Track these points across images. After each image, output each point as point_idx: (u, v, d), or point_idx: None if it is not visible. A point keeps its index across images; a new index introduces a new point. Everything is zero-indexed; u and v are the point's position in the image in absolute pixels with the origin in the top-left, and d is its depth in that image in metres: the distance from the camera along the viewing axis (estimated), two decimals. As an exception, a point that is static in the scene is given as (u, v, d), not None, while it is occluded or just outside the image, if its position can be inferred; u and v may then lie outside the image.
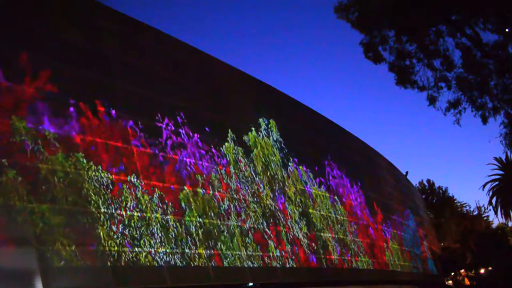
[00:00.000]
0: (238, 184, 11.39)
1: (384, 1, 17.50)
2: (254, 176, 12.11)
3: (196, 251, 9.33)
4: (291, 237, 12.50)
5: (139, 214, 8.51)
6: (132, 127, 9.15)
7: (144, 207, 8.67)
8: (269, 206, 12.18)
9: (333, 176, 16.38)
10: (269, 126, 13.62)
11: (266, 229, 11.63)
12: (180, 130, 10.33)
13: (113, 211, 8.06)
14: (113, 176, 8.33)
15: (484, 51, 18.15)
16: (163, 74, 10.75)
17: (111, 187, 8.21)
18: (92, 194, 7.84)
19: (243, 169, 11.82)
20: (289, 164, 13.99)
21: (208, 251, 9.58)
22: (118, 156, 8.62)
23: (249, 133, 12.65)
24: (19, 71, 7.51)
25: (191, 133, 10.57)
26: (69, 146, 7.81)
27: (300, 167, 14.43)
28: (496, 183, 39.38)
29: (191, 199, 9.77)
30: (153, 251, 8.44)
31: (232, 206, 10.85)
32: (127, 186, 8.50)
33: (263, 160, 12.78)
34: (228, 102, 12.67)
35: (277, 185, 12.93)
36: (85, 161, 7.92)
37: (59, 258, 6.94)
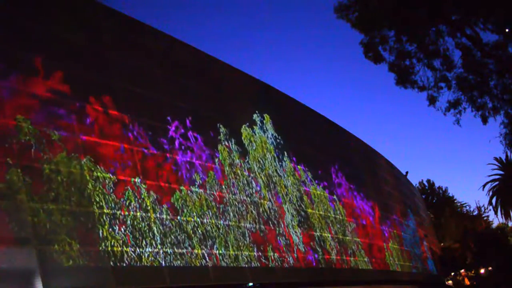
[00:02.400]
0: (237, 184, 11.39)
1: (384, 1, 17.52)
2: (252, 175, 12.12)
3: (196, 251, 9.33)
4: (290, 237, 12.50)
5: (140, 215, 8.51)
6: (133, 127, 9.16)
7: (145, 207, 8.67)
8: (267, 205, 12.18)
9: (335, 176, 16.39)
10: (266, 123, 13.62)
11: (266, 229, 11.64)
12: (180, 130, 10.33)
13: (115, 211, 8.07)
14: (116, 176, 8.34)
15: (484, 51, 18.17)
16: (164, 75, 10.75)
17: (114, 187, 8.21)
18: (95, 195, 7.84)
19: (242, 169, 11.82)
20: (288, 163, 13.99)
21: (208, 251, 9.59)
22: (121, 157, 8.63)
23: (249, 133, 12.65)
24: (19, 71, 7.51)
25: (191, 134, 10.57)
26: (74, 147, 7.83)
27: (299, 166, 14.43)
28: (496, 183, 39.40)
29: (191, 200, 9.77)
30: (154, 251, 8.45)
31: (231, 206, 10.86)
32: (130, 187, 8.51)
33: (261, 159, 12.79)
34: (228, 103, 12.67)
35: (275, 184, 12.94)
36: (89, 161, 7.93)
37: (61, 258, 6.95)
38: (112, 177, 8.27)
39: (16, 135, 7.09)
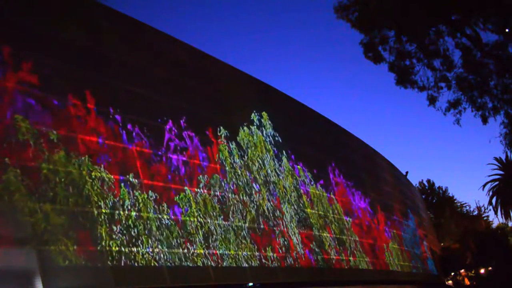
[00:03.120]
0: (236, 184, 11.39)
1: (384, 1, 17.52)
2: (251, 175, 12.11)
3: (197, 251, 9.33)
4: (289, 236, 12.50)
5: (139, 214, 8.51)
6: (132, 127, 9.16)
7: (144, 207, 8.67)
8: (266, 205, 12.18)
9: (333, 176, 16.38)
10: (264, 123, 13.62)
11: (265, 229, 11.63)
12: (179, 131, 10.33)
13: (114, 211, 8.07)
14: (114, 176, 8.33)
15: (484, 51, 18.19)
16: (164, 75, 10.74)
17: (112, 187, 8.21)
18: (93, 195, 7.84)
19: (241, 169, 11.82)
20: (287, 162, 13.98)
21: (208, 251, 9.58)
22: (119, 157, 8.63)
23: (248, 132, 12.65)
24: (20, 71, 7.51)
25: (190, 134, 10.57)
26: (71, 147, 7.82)
27: (298, 166, 14.43)
28: (496, 183, 39.41)
29: (190, 199, 9.77)
30: (153, 251, 8.44)
31: (231, 206, 10.85)
32: (128, 186, 8.51)
33: (260, 158, 12.78)
34: (227, 102, 12.67)
35: (274, 184, 12.93)
36: (87, 161, 7.93)
37: (61, 258, 6.94)
38: (112, 177, 8.27)
39: (15, 135, 7.08)
